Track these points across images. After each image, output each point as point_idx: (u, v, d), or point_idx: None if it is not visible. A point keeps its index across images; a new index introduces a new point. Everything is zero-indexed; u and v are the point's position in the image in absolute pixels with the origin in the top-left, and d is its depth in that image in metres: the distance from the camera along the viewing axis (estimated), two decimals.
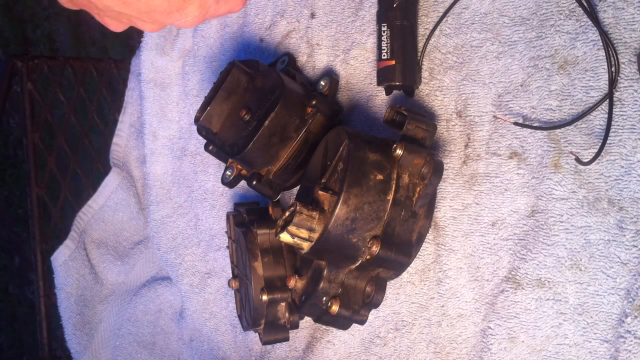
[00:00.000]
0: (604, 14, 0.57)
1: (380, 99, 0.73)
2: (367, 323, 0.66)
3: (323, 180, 0.63)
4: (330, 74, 0.75)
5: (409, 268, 0.66)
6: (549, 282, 0.59)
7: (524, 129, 0.61)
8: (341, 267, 0.63)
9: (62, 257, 1.17)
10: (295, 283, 0.68)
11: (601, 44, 0.57)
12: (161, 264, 1.07)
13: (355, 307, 0.64)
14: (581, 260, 0.57)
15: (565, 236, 0.58)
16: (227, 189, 0.91)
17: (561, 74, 0.59)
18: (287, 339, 0.77)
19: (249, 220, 0.77)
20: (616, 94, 0.56)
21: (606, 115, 0.56)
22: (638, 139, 0.55)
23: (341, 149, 0.63)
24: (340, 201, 0.60)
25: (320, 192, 0.61)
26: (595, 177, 0.57)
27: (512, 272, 0.61)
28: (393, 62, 0.67)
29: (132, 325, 1.09)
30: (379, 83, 0.69)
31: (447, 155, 0.67)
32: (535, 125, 0.61)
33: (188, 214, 0.99)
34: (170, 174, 1.01)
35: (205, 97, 0.74)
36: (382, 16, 0.68)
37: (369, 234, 0.61)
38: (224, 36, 0.92)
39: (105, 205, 1.16)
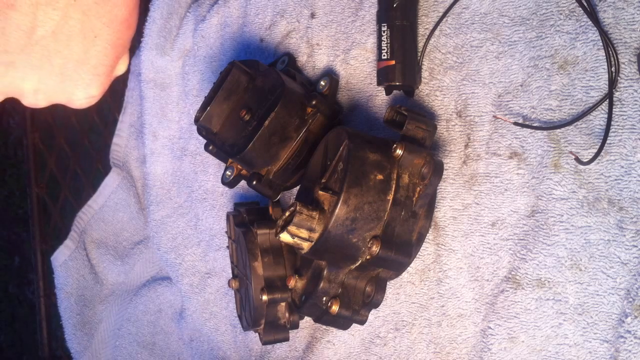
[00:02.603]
0: (604, 14, 0.57)
1: (380, 99, 0.73)
2: (367, 323, 0.66)
3: (323, 180, 0.63)
4: (330, 74, 0.75)
5: (409, 268, 0.66)
6: (549, 282, 0.59)
7: (524, 129, 0.61)
8: (341, 267, 0.63)
9: (62, 257, 1.17)
10: (295, 283, 0.68)
11: (601, 44, 0.57)
12: (161, 264, 1.07)
13: (355, 307, 0.64)
14: (581, 260, 0.57)
15: (565, 236, 0.58)
16: (227, 189, 0.91)
17: (561, 74, 0.59)
18: (287, 339, 0.77)
19: (249, 220, 0.77)
20: (616, 94, 0.56)
21: (606, 115, 0.56)
22: (638, 139, 0.55)
23: (341, 149, 0.63)
24: (340, 201, 0.60)
25: (320, 192, 0.61)
26: (595, 177, 0.57)
27: (512, 272, 0.61)
28: (393, 62, 0.67)
29: (132, 325, 1.09)
30: (379, 83, 0.69)
31: (447, 155, 0.67)
32: (535, 125, 0.61)
33: (188, 214, 0.99)
34: (170, 174, 1.01)
35: (205, 97, 0.74)
36: (382, 16, 0.68)
37: (369, 234, 0.61)
38: (224, 36, 0.92)
39: (105, 205, 1.15)
